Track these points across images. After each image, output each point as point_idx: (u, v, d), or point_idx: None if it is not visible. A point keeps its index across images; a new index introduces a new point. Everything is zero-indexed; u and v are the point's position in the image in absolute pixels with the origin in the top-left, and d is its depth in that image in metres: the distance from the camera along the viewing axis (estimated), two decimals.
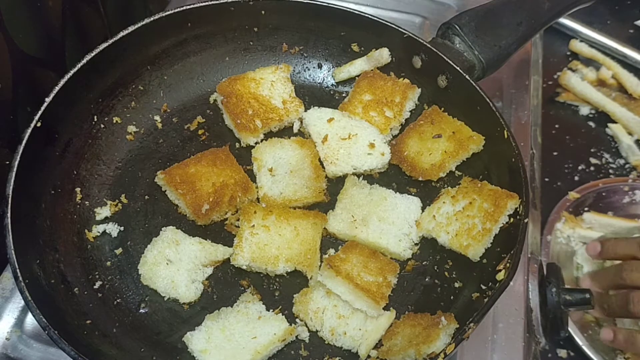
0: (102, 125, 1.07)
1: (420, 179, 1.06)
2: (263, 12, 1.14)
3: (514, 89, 1.32)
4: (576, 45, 1.52)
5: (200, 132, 1.13)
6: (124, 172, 1.07)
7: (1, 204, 0.88)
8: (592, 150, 1.39)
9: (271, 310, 0.93)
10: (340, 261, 0.92)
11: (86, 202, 1.02)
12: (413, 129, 1.10)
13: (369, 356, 0.89)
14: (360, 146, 1.08)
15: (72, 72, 0.98)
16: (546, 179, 1.32)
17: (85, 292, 0.93)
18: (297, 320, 0.94)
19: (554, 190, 1.30)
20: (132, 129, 1.10)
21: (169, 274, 0.94)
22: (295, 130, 1.13)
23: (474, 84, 1.04)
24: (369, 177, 1.08)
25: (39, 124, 0.93)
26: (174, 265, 0.95)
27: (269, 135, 1.12)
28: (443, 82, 1.10)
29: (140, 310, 0.94)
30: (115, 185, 1.05)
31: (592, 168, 1.36)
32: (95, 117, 1.06)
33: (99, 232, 1.00)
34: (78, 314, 0.89)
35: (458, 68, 1.05)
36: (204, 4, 1.10)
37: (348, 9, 1.13)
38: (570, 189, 1.29)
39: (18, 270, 0.82)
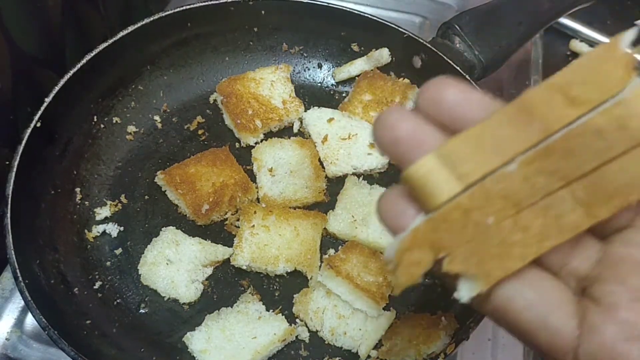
0: (102, 125, 1.07)
1: None
2: (263, 12, 1.14)
3: (514, 89, 1.32)
4: (576, 45, 1.51)
5: (200, 132, 1.12)
6: (124, 172, 1.07)
7: (1, 204, 0.88)
8: None
9: (271, 310, 0.93)
10: (340, 261, 0.92)
11: (86, 202, 1.02)
12: None
13: (369, 356, 0.89)
14: (360, 146, 1.08)
15: (72, 72, 0.98)
16: None
17: (85, 292, 0.93)
18: (297, 320, 0.94)
19: None
20: (132, 129, 1.10)
21: (169, 274, 0.94)
22: (295, 130, 1.13)
23: (474, 84, 1.04)
24: (369, 177, 1.08)
25: (39, 124, 0.93)
26: (174, 265, 0.95)
27: (269, 135, 1.12)
28: None
29: (140, 310, 0.94)
30: (115, 185, 1.05)
31: None
32: (95, 117, 1.06)
33: (98, 232, 1.00)
34: (78, 314, 0.89)
35: (458, 68, 1.05)
36: (204, 4, 1.10)
37: (348, 9, 1.13)
38: None
39: (18, 271, 0.82)
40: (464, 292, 0.43)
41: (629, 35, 0.40)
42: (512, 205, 0.41)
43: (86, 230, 0.99)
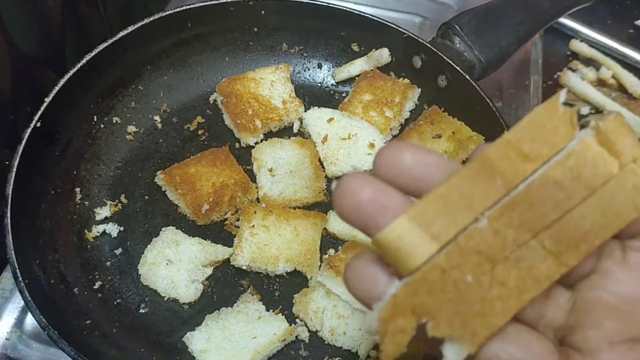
0: (102, 125, 1.07)
1: None
2: (263, 12, 1.14)
3: (514, 89, 1.32)
4: (576, 45, 1.51)
5: (200, 132, 1.12)
6: (124, 172, 1.07)
7: (1, 204, 0.88)
8: None
9: (271, 310, 0.93)
10: (340, 261, 0.92)
11: (86, 202, 1.02)
12: (413, 129, 1.10)
13: (369, 356, 0.89)
14: (360, 146, 1.08)
15: (72, 72, 0.98)
16: None
17: (85, 292, 0.93)
18: (297, 320, 0.94)
19: None
20: (132, 129, 1.10)
21: (169, 274, 0.94)
22: (295, 130, 1.13)
23: (474, 84, 1.04)
24: None
25: (38, 124, 0.93)
26: (174, 265, 0.95)
27: (269, 135, 1.12)
28: (443, 82, 1.10)
29: (140, 311, 0.94)
30: (115, 185, 1.05)
31: None
32: (95, 117, 1.06)
33: (98, 232, 1.00)
34: (78, 314, 0.89)
35: (458, 68, 1.05)
36: (204, 4, 1.10)
37: (348, 9, 1.13)
38: None
39: (18, 270, 0.82)
40: (452, 357, 0.42)
41: (563, 95, 0.43)
42: (486, 260, 0.41)
43: (86, 230, 0.99)
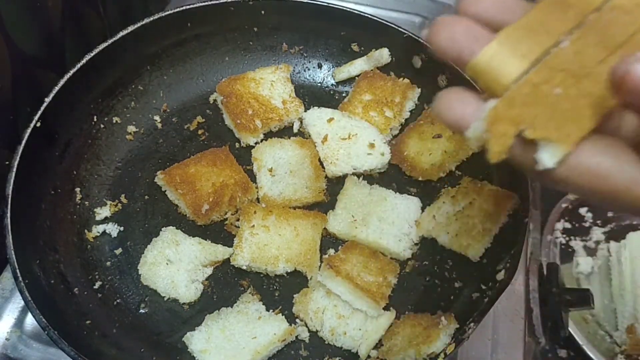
0: (102, 126, 1.07)
1: (420, 179, 1.06)
2: (263, 12, 1.14)
3: None
4: None
5: (200, 132, 1.13)
6: (124, 172, 1.07)
7: (1, 204, 0.88)
8: None
9: (271, 310, 0.93)
10: (340, 261, 0.92)
11: (86, 202, 1.02)
12: (413, 129, 1.10)
13: (369, 356, 0.89)
14: (360, 146, 1.07)
15: (71, 72, 0.98)
16: None
17: (85, 292, 0.93)
18: (297, 320, 0.94)
19: (554, 190, 1.30)
20: (131, 129, 1.10)
21: (169, 274, 0.94)
22: (295, 130, 1.13)
23: (474, 84, 1.04)
24: (369, 177, 1.08)
25: (38, 124, 0.93)
26: (174, 265, 0.95)
27: (269, 135, 1.12)
28: (443, 82, 1.10)
29: (140, 311, 0.94)
30: (115, 185, 1.05)
31: None
32: (95, 117, 1.06)
33: (98, 232, 1.00)
34: (78, 314, 0.89)
35: (458, 68, 1.05)
36: (204, 4, 1.10)
37: (348, 9, 1.13)
38: None
39: (18, 270, 0.82)
40: (547, 159, 0.48)
41: None
42: (572, 76, 0.48)
43: (86, 230, 0.99)
